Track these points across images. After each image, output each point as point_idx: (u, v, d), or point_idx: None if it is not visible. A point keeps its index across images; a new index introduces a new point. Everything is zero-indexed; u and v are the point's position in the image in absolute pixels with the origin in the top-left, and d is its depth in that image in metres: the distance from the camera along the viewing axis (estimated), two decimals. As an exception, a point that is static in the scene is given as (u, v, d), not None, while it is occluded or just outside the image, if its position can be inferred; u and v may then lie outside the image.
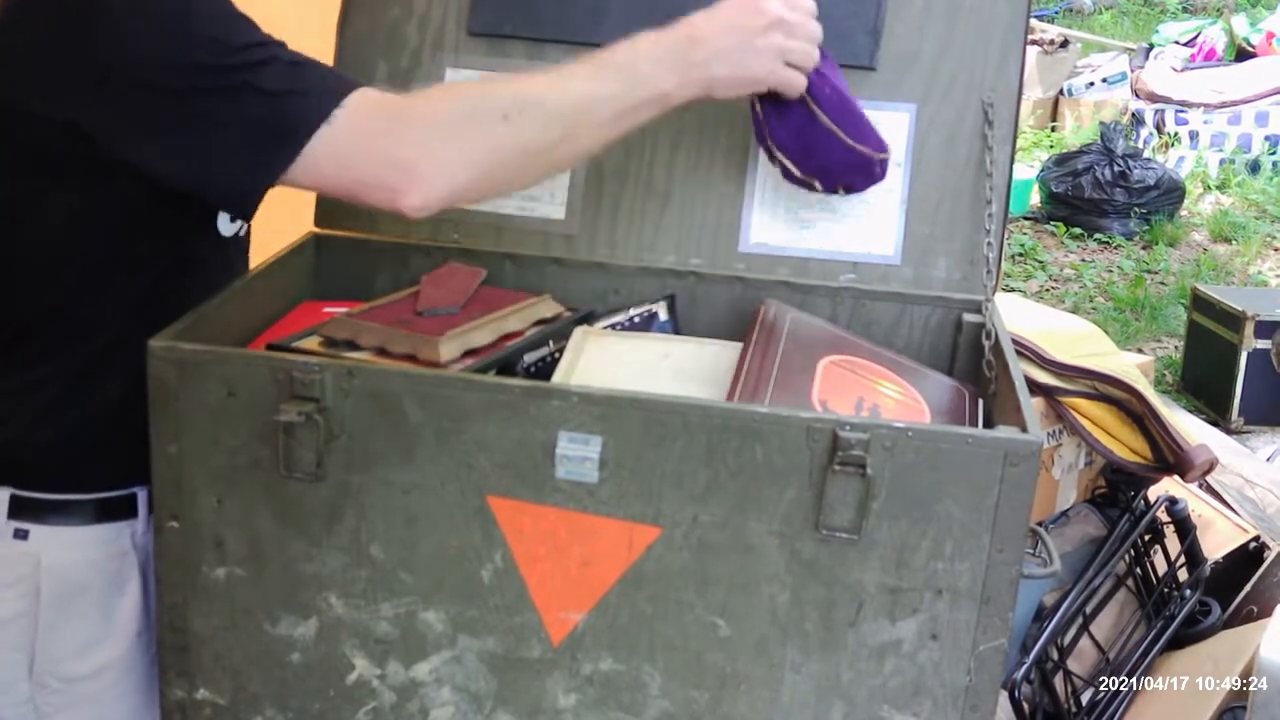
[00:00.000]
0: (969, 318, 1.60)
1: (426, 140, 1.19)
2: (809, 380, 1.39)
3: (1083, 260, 5.92)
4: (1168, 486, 2.69)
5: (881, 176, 1.52)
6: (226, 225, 1.39)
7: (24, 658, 1.35)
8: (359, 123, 1.18)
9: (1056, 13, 10.38)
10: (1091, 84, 7.80)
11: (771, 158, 1.49)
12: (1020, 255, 5.86)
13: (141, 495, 1.37)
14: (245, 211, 1.24)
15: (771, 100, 1.42)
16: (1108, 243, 6.09)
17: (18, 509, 1.33)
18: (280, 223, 1.70)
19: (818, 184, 1.50)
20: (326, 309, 1.56)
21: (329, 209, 1.69)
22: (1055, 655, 2.44)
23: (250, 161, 1.19)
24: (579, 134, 1.25)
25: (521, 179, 1.29)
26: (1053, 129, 7.83)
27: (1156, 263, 5.86)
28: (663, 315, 1.63)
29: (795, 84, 1.35)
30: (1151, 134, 7.10)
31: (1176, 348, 4.84)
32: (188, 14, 1.18)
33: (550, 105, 1.24)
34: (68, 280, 1.29)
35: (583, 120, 1.25)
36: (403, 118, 1.20)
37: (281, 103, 1.18)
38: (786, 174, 1.50)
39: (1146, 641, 2.52)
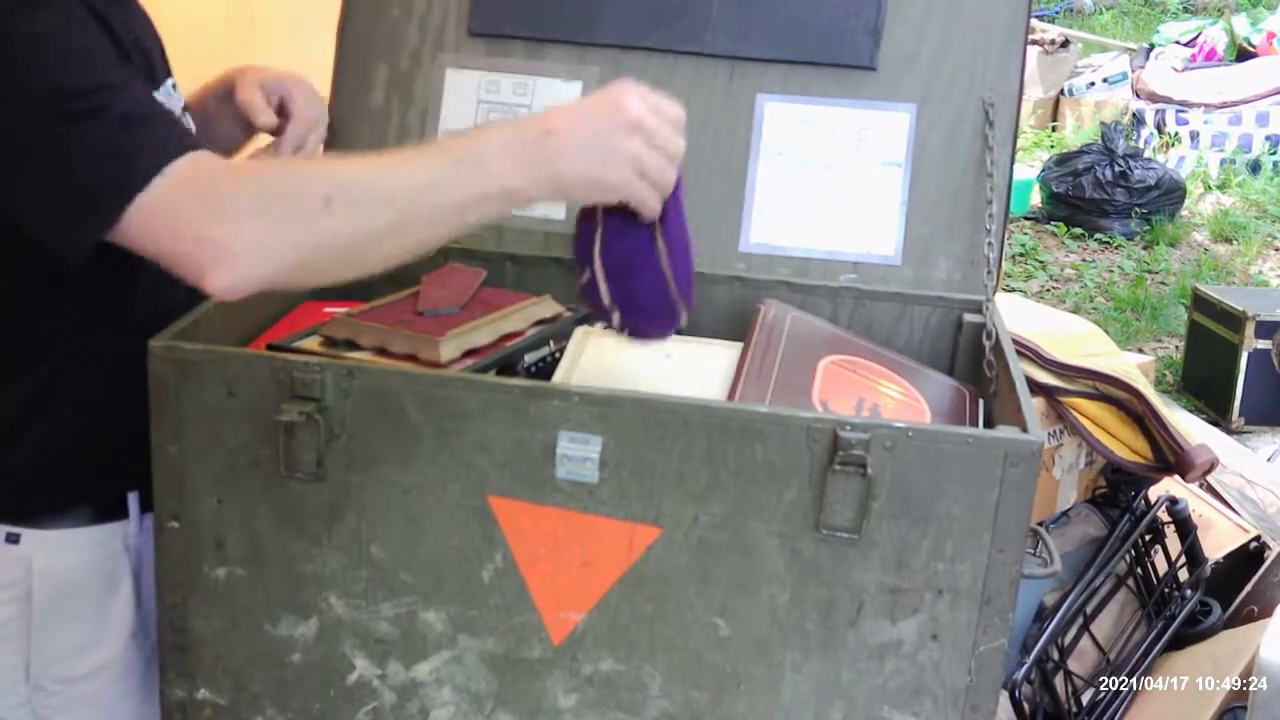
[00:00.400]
0: (969, 318, 1.60)
1: (240, 221, 1.11)
2: (809, 380, 1.39)
3: (1083, 260, 5.92)
4: (1168, 486, 2.69)
5: (665, 336, 1.34)
6: None
7: (20, 660, 1.35)
8: (175, 195, 1.12)
9: (1057, 13, 10.38)
10: (1092, 84, 7.80)
11: (581, 267, 1.29)
12: (1021, 255, 5.86)
13: (132, 498, 1.37)
14: (76, 262, 1.17)
15: (619, 216, 1.25)
16: (1108, 243, 6.09)
17: (8, 514, 1.33)
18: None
19: (617, 316, 1.29)
20: (326, 309, 1.56)
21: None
22: (1056, 655, 2.44)
23: (72, 218, 1.13)
24: (411, 224, 1.15)
25: (346, 268, 1.16)
26: (1053, 129, 7.83)
27: (1157, 263, 5.86)
28: (663, 315, 1.63)
29: (649, 206, 1.20)
30: (1152, 134, 7.10)
31: (1177, 348, 4.84)
32: (22, 58, 1.13)
33: (380, 191, 1.14)
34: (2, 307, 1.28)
35: (415, 210, 1.15)
36: (220, 194, 1.12)
37: (103, 164, 1.12)
38: (586, 288, 1.29)
39: (1147, 641, 2.52)
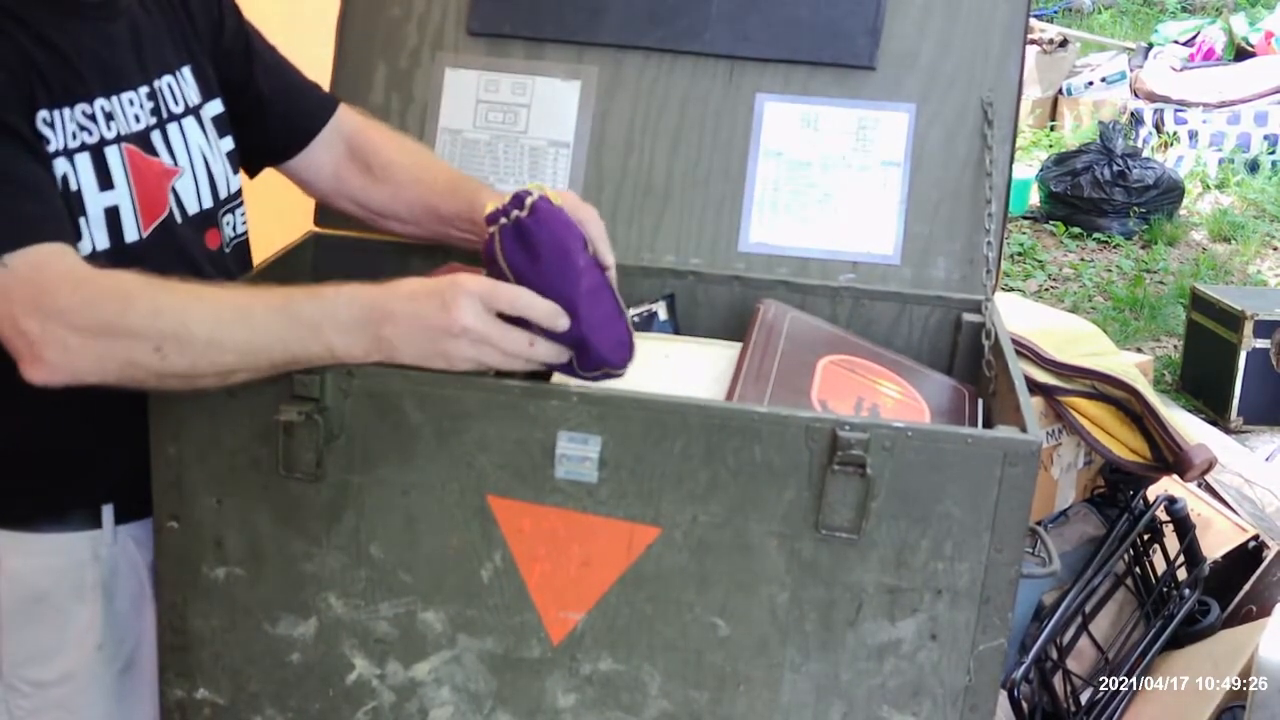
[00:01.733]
0: (968, 317, 1.60)
1: (64, 334, 1.14)
2: (808, 380, 1.39)
3: (1082, 260, 5.92)
4: (1167, 486, 2.69)
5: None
6: (130, 232, 1.33)
7: None
8: (13, 288, 1.14)
9: (1055, 12, 10.37)
10: (1090, 83, 7.80)
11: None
12: (1019, 255, 5.86)
13: (107, 510, 1.36)
14: None
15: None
16: (1107, 242, 6.08)
17: None
18: (281, 221, 1.70)
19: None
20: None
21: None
22: (1054, 655, 2.44)
23: None
24: (235, 373, 1.20)
25: (156, 390, 1.23)
26: (1052, 128, 7.82)
27: (1155, 262, 5.85)
28: (662, 315, 1.63)
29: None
30: (1150, 133, 7.09)
31: (1176, 347, 4.84)
32: None
33: (212, 346, 1.18)
34: None
35: (243, 361, 1.20)
36: (53, 302, 1.15)
37: None
38: None
39: (1146, 641, 2.52)
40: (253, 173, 1.59)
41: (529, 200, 1.25)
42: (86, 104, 1.28)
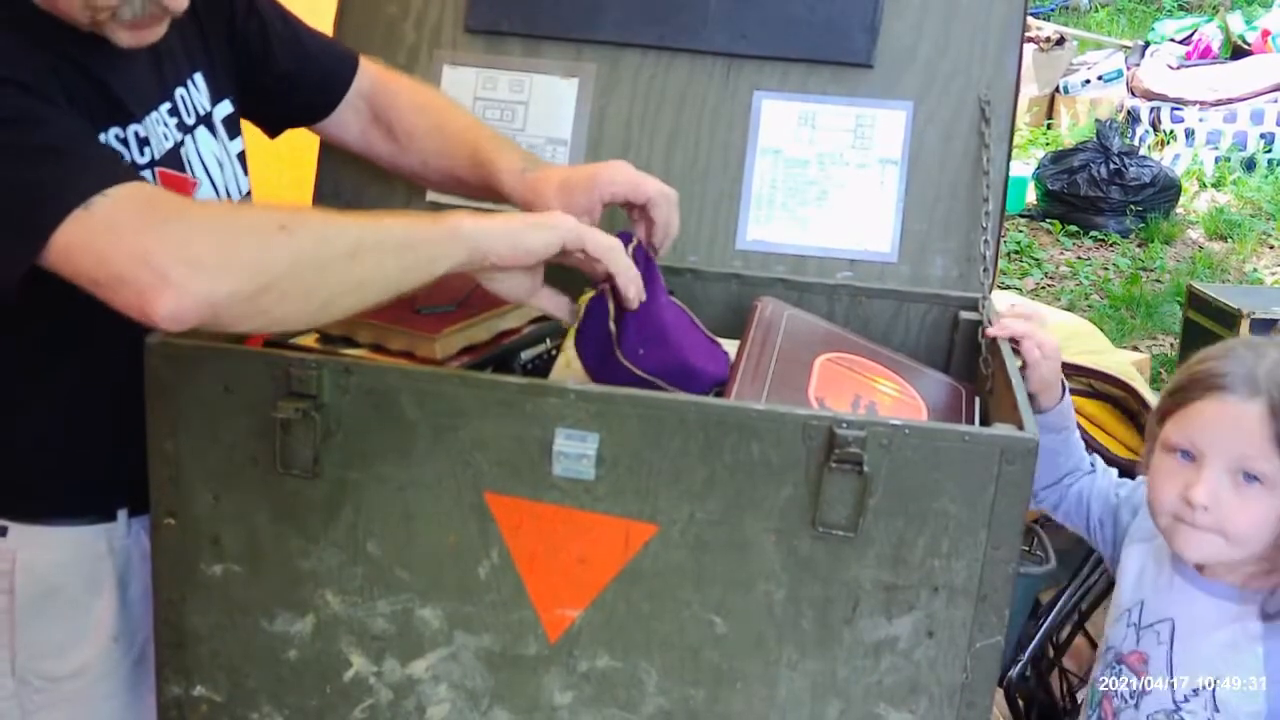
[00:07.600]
0: (966, 315, 1.60)
1: (188, 240, 1.08)
2: (806, 377, 1.39)
3: (1078, 258, 5.93)
4: (1163, 484, 2.69)
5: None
6: None
7: (5, 653, 1.35)
8: (119, 214, 1.08)
9: (1053, 10, 10.37)
10: (1087, 81, 7.80)
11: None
12: (1016, 253, 5.86)
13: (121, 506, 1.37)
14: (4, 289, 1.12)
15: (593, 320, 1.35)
16: (1103, 240, 6.09)
17: None
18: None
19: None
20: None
21: (327, 204, 1.69)
22: (1051, 653, 2.45)
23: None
24: (366, 255, 1.15)
25: (304, 301, 1.14)
26: (1048, 126, 7.83)
27: (1152, 260, 5.86)
28: (660, 312, 1.63)
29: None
30: (1147, 131, 7.10)
31: (1172, 345, 4.85)
32: None
33: (333, 223, 1.16)
34: None
35: (369, 239, 1.16)
36: (168, 214, 1.10)
37: (23, 188, 1.09)
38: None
39: (1142, 639, 2.52)
40: (274, 133, 1.60)
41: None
42: (120, 129, 1.28)
